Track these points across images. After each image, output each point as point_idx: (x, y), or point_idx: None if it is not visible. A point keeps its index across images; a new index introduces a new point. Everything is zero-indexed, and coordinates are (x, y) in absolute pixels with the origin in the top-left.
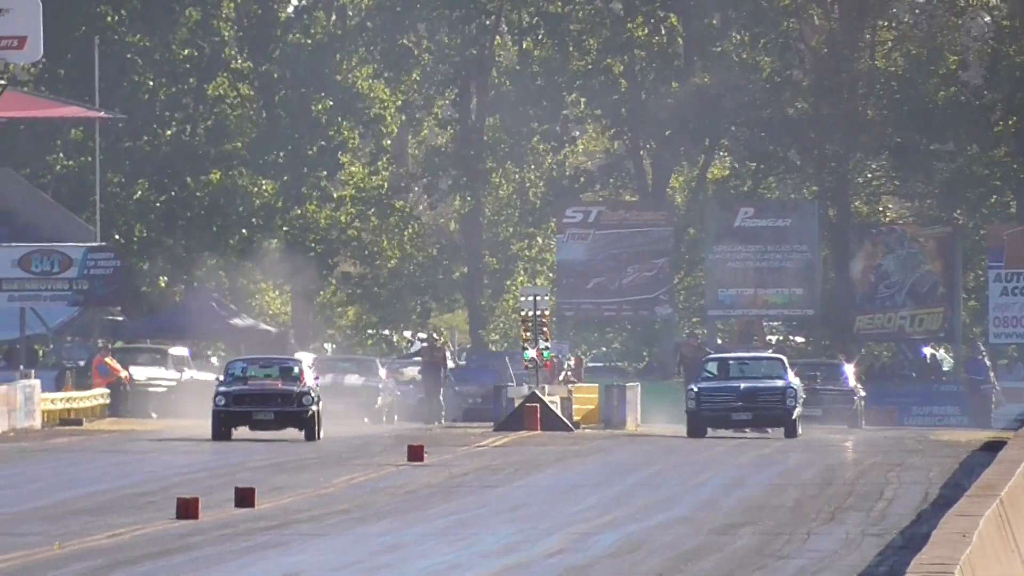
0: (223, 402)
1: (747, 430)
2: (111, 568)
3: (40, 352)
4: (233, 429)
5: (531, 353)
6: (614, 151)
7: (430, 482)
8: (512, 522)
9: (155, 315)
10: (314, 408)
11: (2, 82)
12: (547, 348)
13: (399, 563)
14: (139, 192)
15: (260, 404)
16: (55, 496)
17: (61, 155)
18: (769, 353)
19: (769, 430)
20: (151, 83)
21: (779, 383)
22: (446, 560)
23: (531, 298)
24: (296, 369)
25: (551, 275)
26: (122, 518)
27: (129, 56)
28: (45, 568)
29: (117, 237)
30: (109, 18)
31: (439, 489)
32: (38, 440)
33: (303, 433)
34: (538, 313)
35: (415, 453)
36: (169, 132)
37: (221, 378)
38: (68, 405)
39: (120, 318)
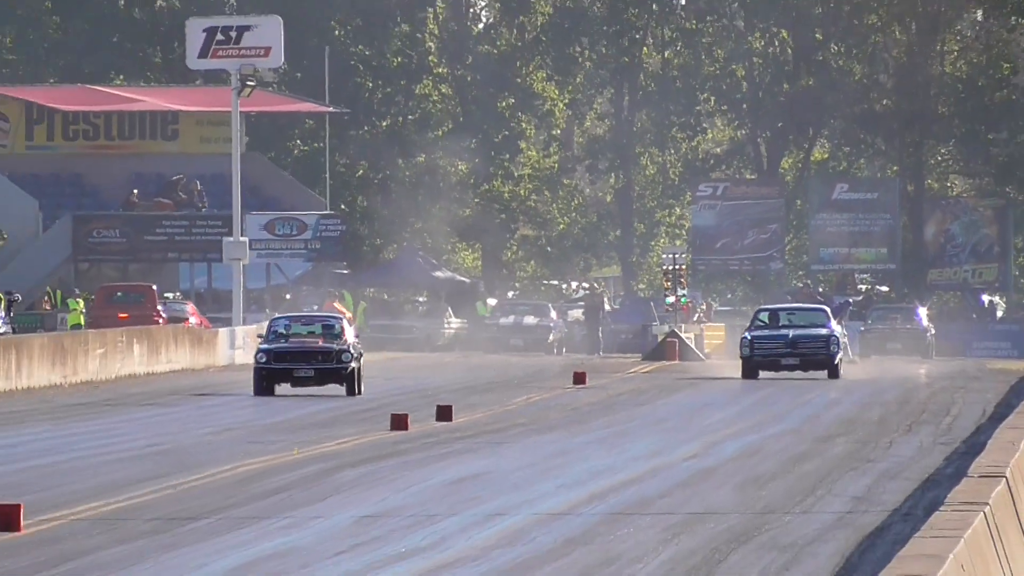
0: (264, 359)
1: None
2: (338, 468)
3: (287, 296)
4: (277, 385)
5: (671, 299)
6: (737, 139)
7: (591, 401)
8: (656, 433)
9: (373, 268)
10: (354, 364)
11: (251, 83)
12: (684, 295)
13: (566, 465)
14: (360, 171)
15: (301, 361)
16: (295, 412)
17: (298, 141)
18: (813, 305)
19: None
20: (370, 84)
21: (823, 331)
22: (604, 463)
23: (671, 255)
24: (337, 326)
25: (686, 237)
26: (347, 429)
27: (352, 62)
28: (289, 468)
29: (343, 207)
30: (337, 32)
31: (598, 407)
32: (244, 374)
33: (344, 388)
34: (677, 267)
35: (579, 378)
36: (384, 123)
37: (263, 334)
38: None
39: (345, 271)
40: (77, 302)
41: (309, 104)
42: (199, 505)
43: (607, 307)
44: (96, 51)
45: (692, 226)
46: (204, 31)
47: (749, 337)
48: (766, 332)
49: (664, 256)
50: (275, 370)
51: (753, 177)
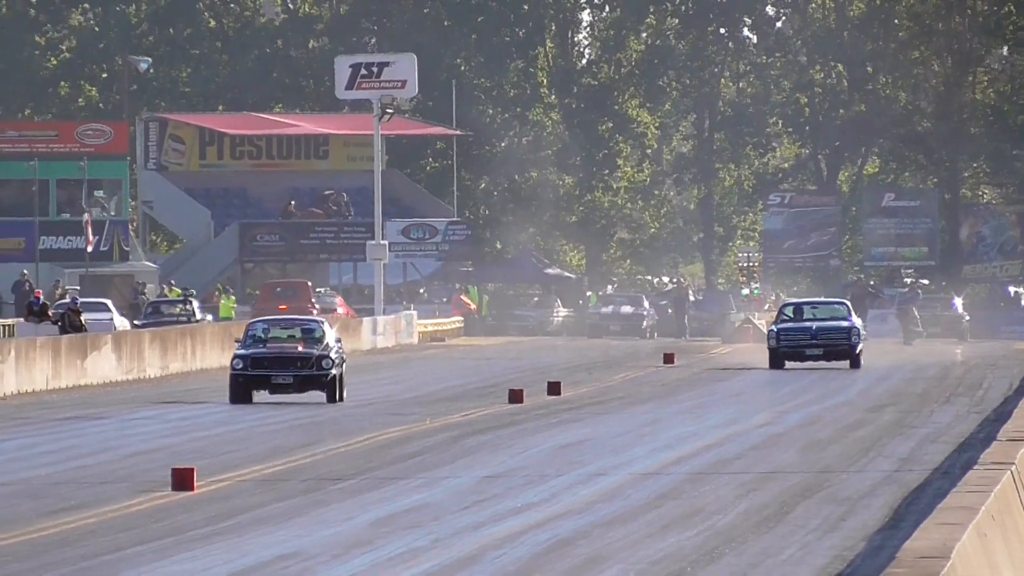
0: (240, 365)
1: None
2: (464, 436)
3: (420, 291)
4: (255, 392)
5: (746, 291)
6: (800, 156)
7: (679, 378)
8: (733, 404)
9: (494, 266)
10: (335, 371)
11: (390, 111)
12: (756, 288)
13: (657, 432)
14: (482, 184)
15: (279, 367)
16: (428, 388)
17: (430, 159)
18: (836, 299)
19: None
20: (490, 111)
21: (844, 323)
22: (688, 430)
23: (746, 254)
24: (319, 330)
25: (758, 239)
26: (471, 403)
27: (476, 93)
28: (422, 436)
29: (467, 214)
30: (462, 67)
31: (684, 383)
32: (415, 352)
33: (324, 395)
34: (750, 264)
35: (668, 358)
36: (503, 144)
37: (240, 339)
38: (435, 328)
39: (470, 269)
40: (230, 297)
41: (439, 128)
42: (346, 467)
43: (691, 298)
44: (259, 84)
45: (763, 229)
46: (350, 67)
47: (776, 330)
48: (791, 325)
49: (740, 255)
50: (252, 377)
51: (814, 188)
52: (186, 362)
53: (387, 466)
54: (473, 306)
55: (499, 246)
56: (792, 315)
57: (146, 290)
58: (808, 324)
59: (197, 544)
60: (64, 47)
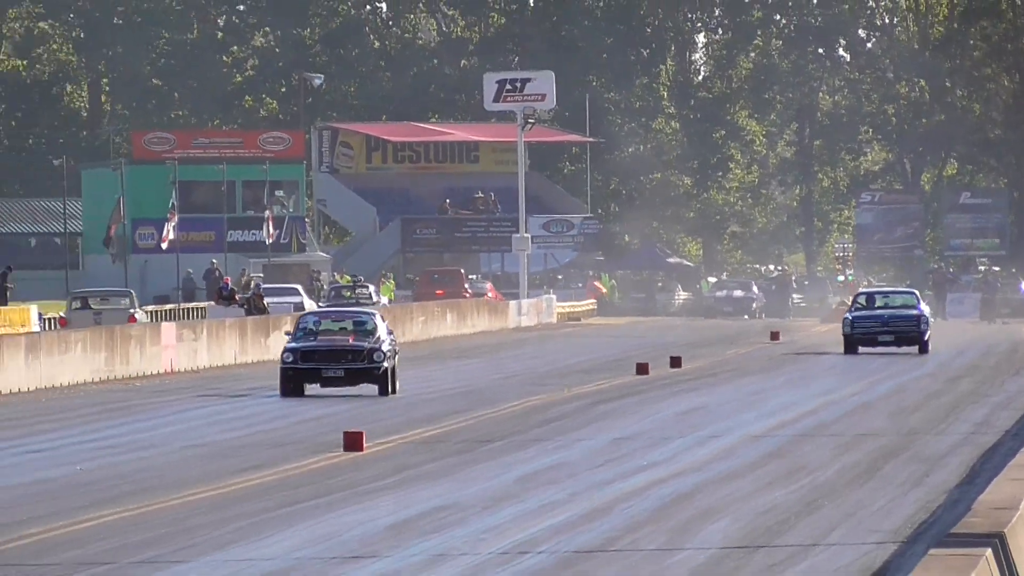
0: (291, 359)
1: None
2: (596, 403)
3: (559, 277)
4: (306, 386)
5: (841, 278)
6: (888, 160)
7: (782, 353)
8: (830, 376)
9: (623, 256)
10: (387, 364)
11: (532, 121)
12: (851, 274)
13: (763, 400)
14: (612, 185)
15: (329, 360)
16: (566, 362)
17: (567, 163)
18: (906, 288)
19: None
20: (619, 121)
21: (914, 312)
22: (791, 398)
23: (841, 245)
24: (371, 323)
25: (852, 232)
26: (602, 375)
27: (606, 105)
28: (561, 403)
29: (599, 211)
30: (594, 83)
31: (788, 357)
32: (554, 330)
33: (376, 389)
34: (845, 254)
35: (774, 336)
36: (630, 149)
37: (290, 331)
38: (571, 309)
39: (601, 258)
40: (390, 282)
41: (574, 136)
42: (494, 431)
43: (794, 284)
44: (417, 98)
45: (856, 224)
46: (496, 82)
47: (850, 318)
48: (865, 313)
49: (836, 246)
50: (302, 370)
51: (900, 188)
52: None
53: (529, 430)
54: (604, 290)
55: (627, 238)
56: (865, 304)
57: (320, 277)
58: (880, 312)
59: (366, 498)
60: (248, 65)
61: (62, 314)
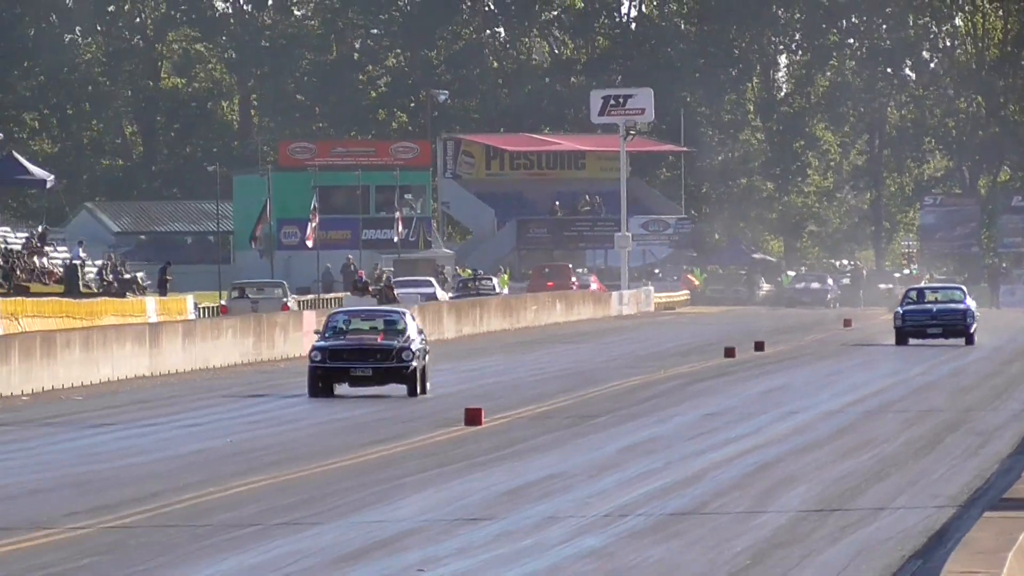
0: (319, 357)
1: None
2: (689, 383)
3: (656, 272)
4: (337, 385)
5: (907, 271)
6: (948, 167)
7: (855, 339)
8: (896, 359)
9: (713, 252)
10: (415, 364)
11: (632, 132)
12: (915, 268)
13: (837, 381)
14: (704, 189)
15: (358, 360)
16: (663, 346)
17: (663, 170)
18: (953, 283)
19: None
20: (710, 132)
21: (961, 306)
22: (861, 379)
23: (907, 244)
24: (401, 322)
25: (916, 231)
26: (694, 357)
27: (698, 118)
28: (657, 383)
29: (692, 212)
30: (688, 99)
31: (860, 343)
32: (652, 318)
33: (405, 389)
34: (910, 251)
35: (847, 323)
36: (719, 158)
37: (320, 330)
38: (667, 299)
39: (694, 254)
40: (504, 275)
41: (670, 146)
42: (598, 408)
43: (864, 277)
44: (531, 111)
45: (920, 224)
46: (602, 98)
47: (901, 311)
48: (914, 307)
49: (902, 244)
50: (331, 369)
51: (959, 192)
52: (475, 326)
53: (630, 407)
54: (696, 283)
55: (716, 236)
56: (915, 299)
57: (444, 271)
58: (929, 306)
59: (484, 467)
60: (381, 83)
61: (223, 302)
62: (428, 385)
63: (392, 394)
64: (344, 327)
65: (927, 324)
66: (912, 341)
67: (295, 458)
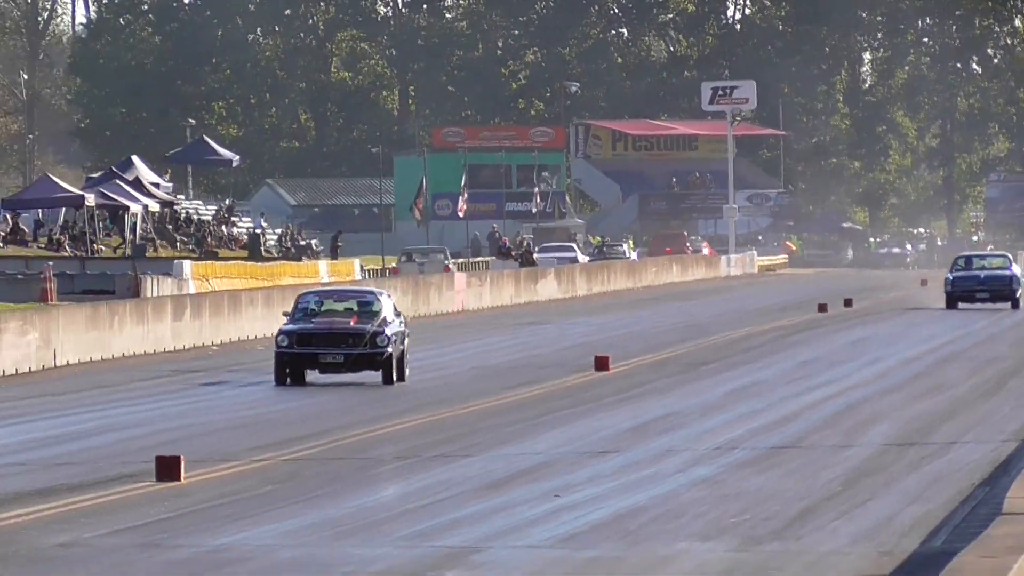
0: (286, 342)
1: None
2: (787, 335)
3: (759, 238)
4: (307, 371)
5: (975, 238)
6: (1011, 148)
7: (930, 295)
8: (964, 315)
9: (806, 222)
10: (391, 350)
11: (738, 119)
12: (981, 235)
13: (914, 332)
14: (800, 167)
15: (327, 345)
16: (764, 303)
17: (765, 151)
18: (999, 251)
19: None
20: (804, 119)
21: (1007, 272)
22: (933, 331)
23: (975, 215)
24: (376, 304)
25: (983, 203)
26: (791, 313)
27: (795, 106)
28: (760, 335)
29: (789, 187)
30: (786, 90)
31: (936, 300)
32: (755, 279)
33: (380, 376)
34: (977, 220)
35: (923, 283)
36: (813, 140)
37: (289, 312)
38: (768, 263)
39: (791, 223)
40: (631, 242)
41: (770, 130)
42: (709, 356)
43: (938, 243)
44: (650, 101)
45: (986, 197)
46: (711, 89)
47: (951, 277)
48: (963, 273)
49: (971, 215)
50: (298, 355)
51: (1020, 170)
52: (604, 285)
53: (736, 355)
54: (793, 248)
55: (810, 208)
56: (964, 265)
57: (576, 238)
58: (977, 273)
59: (610, 407)
60: (521, 76)
61: (394, 264)
62: (407, 372)
63: (368, 380)
64: (316, 308)
65: (975, 289)
66: (961, 305)
67: (447, 400)
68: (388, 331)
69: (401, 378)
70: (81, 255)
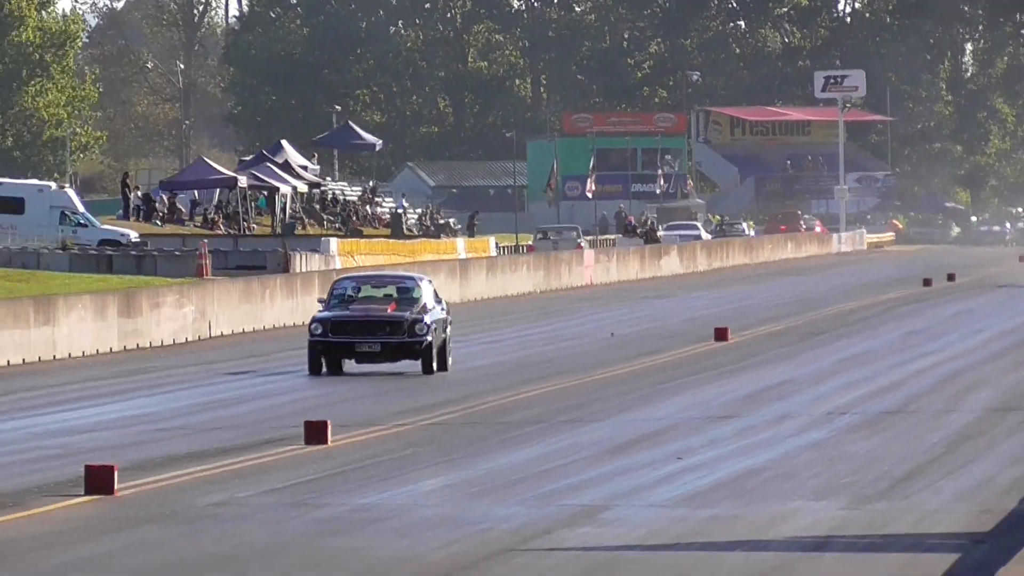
0: (319, 330)
1: None
2: (892, 308)
3: (867, 216)
4: (344, 361)
5: None
6: None
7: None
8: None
9: (912, 201)
10: (430, 338)
11: (848, 105)
12: None
13: (1013, 304)
14: (905, 151)
15: (364, 333)
16: (872, 277)
17: (873, 135)
18: None
19: None
20: (910, 105)
21: None
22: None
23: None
24: (416, 290)
25: None
26: (896, 287)
27: (902, 94)
28: (865, 309)
29: (896, 169)
30: (893, 79)
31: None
32: (864, 255)
33: (420, 365)
34: None
35: (1022, 259)
36: (918, 126)
37: (323, 298)
38: (876, 240)
39: (898, 203)
40: (750, 221)
41: (878, 116)
42: (822, 327)
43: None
44: (766, 89)
45: None
46: (823, 78)
47: None
48: None
49: None
50: (333, 344)
51: None
52: (722, 261)
53: (846, 326)
54: (900, 226)
55: (916, 188)
56: None
57: (697, 217)
58: None
59: (729, 375)
60: (645, 65)
61: (530, 242)
62: (449, 360)
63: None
64: (353, 295)
65: None
66: None
67: (575, 368)
68: (428, 318)
69: (443, 367)
70: (234, 233)
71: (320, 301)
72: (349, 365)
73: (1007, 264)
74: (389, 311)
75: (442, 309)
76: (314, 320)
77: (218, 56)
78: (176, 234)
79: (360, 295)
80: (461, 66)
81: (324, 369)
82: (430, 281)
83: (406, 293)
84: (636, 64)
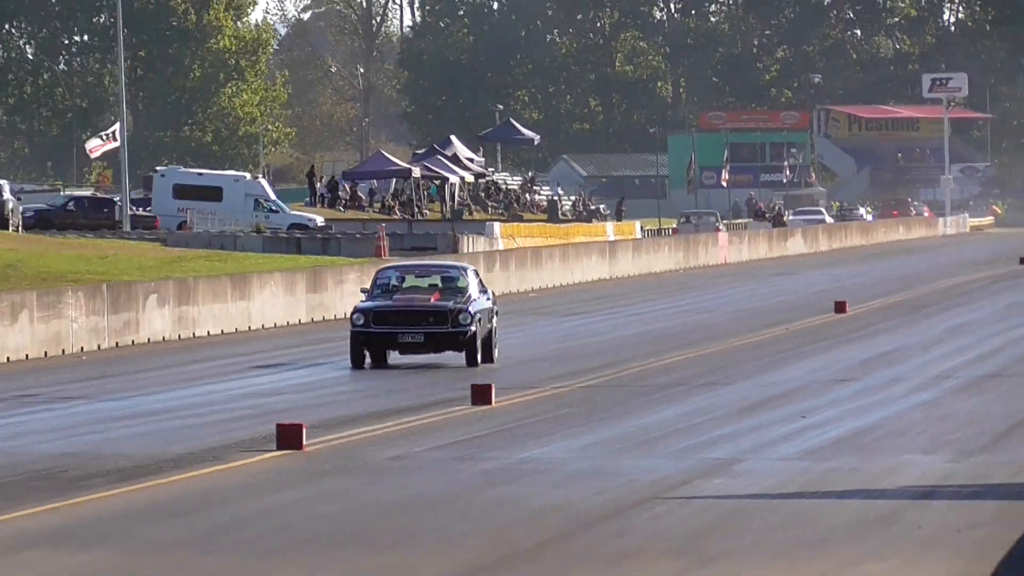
0: (361, 321)
1: None
2: (993, 283)
3: (971, 203)
4: (389, 352)
5: None
6: None
7: None
8: None
9: (1010, 189)
10: (474, 328)
11: (953, 104)
12: None
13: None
14: (1003, 143)
15: (406, 324)
16: (972, 256)
17: (974, 131)
18: None
19: None
20: (1008, 104)
21: None
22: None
23: None
24: (461, 280)
25: None
26: (997, 265)
27: (1000, 94)
28: (971, 282)
29: (996, 160)
30: (992, 80)
31: None
32: (966, 238)
33: (464, 356)
34: None
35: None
36: (1015, 122)
37: (367, 288)
38: (978, 223)
39: (996, 191)
40: (868, 208)
41: (979, 113)
42: (929, 300)
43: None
44: (880, 89)
45: None
46: (930, 80)
47: None
48: None
49: None
50: (374, 335)
51: None
52: (841, 243)
53: (952, 299)
54: (999, 212)
55: (1013, 178)
56: None
57: (818, 203)
58: None
59: (847, 343)
60: (773, 69)
61: (675, 225)
62: (495, 352)
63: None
64: (398, 284)
65: None
66: None
67: (710, 338)
68: (472, 308)
69: (488, 359)
70: (408, 218)
71: (363, 291)
72: (393, 357)
73: None
74: (432, 300)
75: (487, 299)
76: (356, 310)
77: (394, 61)
78: (357, 219)
79: (404, 285)
80: (609, 70)
81: (368, 361)
82: (476, 271)
83: (451, 283)
84: (764, 68)
